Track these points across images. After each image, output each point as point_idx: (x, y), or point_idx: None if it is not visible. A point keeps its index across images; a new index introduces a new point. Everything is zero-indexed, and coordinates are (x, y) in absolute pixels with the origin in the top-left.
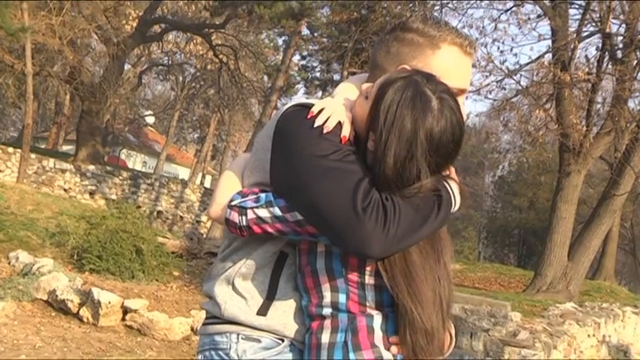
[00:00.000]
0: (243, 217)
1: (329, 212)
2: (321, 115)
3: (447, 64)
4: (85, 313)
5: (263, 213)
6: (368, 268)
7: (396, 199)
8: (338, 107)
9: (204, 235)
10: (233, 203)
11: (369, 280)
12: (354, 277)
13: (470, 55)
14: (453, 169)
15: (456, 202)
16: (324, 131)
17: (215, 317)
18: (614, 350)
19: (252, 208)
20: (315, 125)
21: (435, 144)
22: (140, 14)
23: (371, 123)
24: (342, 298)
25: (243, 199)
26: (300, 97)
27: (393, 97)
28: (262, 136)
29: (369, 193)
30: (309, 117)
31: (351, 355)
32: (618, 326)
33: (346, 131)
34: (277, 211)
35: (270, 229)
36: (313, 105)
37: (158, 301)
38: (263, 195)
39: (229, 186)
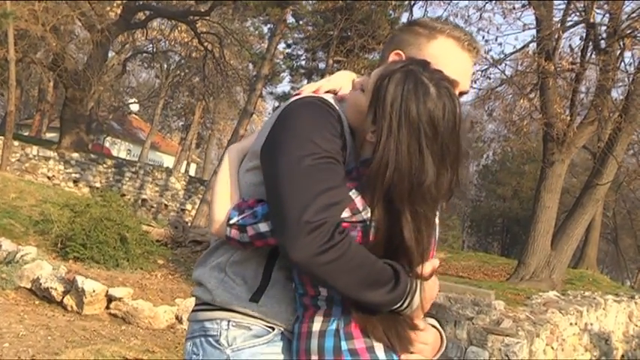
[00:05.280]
0: (244, 235)
1: (282, 212)
2: (309, 87)
3: (439, 54)
4: (69, 301)
5: (263, 227)
6: None
7: (358, 246)
8: (327, 82)
9: (189, 224)
10: (232, 222)
11: None
12: None
13: (469, 52)
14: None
15: (411, 302)
16: (317, 116)
17: (206, 304)
18: (595, 338)
19: (250, 224)
20: (304, 94)
21: (436, 128)
22: (124, 1)
23: (372, 117)
24: (338, 294)
25: (240, 217)
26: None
27: (394, 90)
28: (267, 124)
29: (325, 210)
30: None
31: (343, 344)
32: (600, 314)
33: (325, 89)
34: None
35: (272, 242)
36: (318, 102)
37: (142, 290)
38: (259, 208)
39: (224, 199)
